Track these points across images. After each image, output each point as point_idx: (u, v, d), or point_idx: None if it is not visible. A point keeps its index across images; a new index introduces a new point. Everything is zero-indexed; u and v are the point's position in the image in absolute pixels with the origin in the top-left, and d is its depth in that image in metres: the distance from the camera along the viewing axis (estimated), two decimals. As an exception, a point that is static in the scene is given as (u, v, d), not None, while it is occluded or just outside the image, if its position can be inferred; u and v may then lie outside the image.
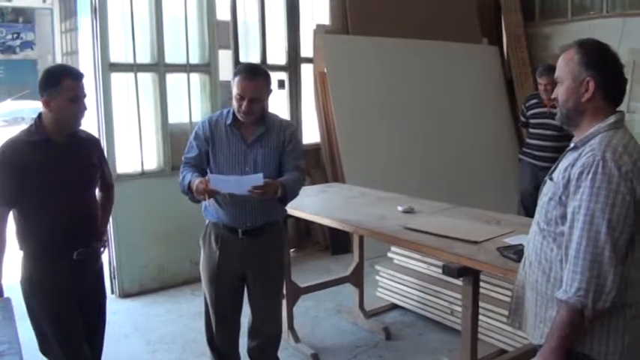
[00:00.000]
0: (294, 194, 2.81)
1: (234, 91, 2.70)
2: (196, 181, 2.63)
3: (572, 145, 1.75)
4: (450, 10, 6.81)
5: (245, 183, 2.56)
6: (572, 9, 7.13)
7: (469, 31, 7.08)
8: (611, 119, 1.69)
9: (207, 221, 2.92)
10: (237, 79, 2.69)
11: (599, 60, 1.69)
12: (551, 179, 1.77)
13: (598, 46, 1.72)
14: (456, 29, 6.83)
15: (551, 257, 1.73)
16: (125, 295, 4.61)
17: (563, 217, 1.67)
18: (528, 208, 5.21)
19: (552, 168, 1.81)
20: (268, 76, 2.77)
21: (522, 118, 5.25)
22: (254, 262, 2.86)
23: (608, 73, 1.69)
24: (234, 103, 2.73)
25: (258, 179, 2.55)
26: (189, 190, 2.70)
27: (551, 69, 4.84)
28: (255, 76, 2.69)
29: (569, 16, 7.15)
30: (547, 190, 1.77)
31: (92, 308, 2.68)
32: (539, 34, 7.39)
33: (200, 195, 2.62)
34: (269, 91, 2.80)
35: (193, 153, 2.83)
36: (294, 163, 2.83)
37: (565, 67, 1.74)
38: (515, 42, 7.34)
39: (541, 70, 4.93)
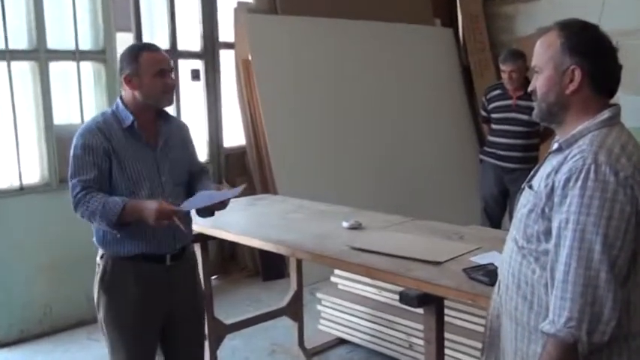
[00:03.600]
0: None
1: (152, 69, 2.56)
2: (154, 206, 2.42)
3: (555, 146, 1.72)
4: (397, -15, 6.88)
5: (217, 197, 2.64)
6: (541, -16, 7.31)
7: (419, 11, 7.16)
8: (605, 114, 1.67)
9: (103, 260, 2.64)
10: (144, 54, 2.57)
11: (586, 44, 1.68)
12: (530, 187, 1.74)
13: (584, 27, 1.71)
14: (403, 8, 6.89)
15: (533, 280, 1.70)
16: (1, 344, 4.37)
17: (547, 232, 1.64)
18: (493, 217, 5.31)
19: (531, 173, 1.79)
20: None
21: (483, 113, 5.33)
22: (179, 295, 2.72)
23: (597, 60, 1.67)
24: (155, 83, 2.57)
25: (236, 192, 2.70)
26: (117, 220, 2.44)
27: (516, 54, 4.96)
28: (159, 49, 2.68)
29: (536, -9, 7.32)
30: (525, 201, 1.74)
31: None
32: (501, 14, 7.53)
33: (163, 220, 2.43)
34: None
35: (92, 174, 2.53)
36: (199, 164, 2.92)
37: (544, 53, 1.71)
38: (473, 23, 7.48)
39: (505, 55, 5.02)
